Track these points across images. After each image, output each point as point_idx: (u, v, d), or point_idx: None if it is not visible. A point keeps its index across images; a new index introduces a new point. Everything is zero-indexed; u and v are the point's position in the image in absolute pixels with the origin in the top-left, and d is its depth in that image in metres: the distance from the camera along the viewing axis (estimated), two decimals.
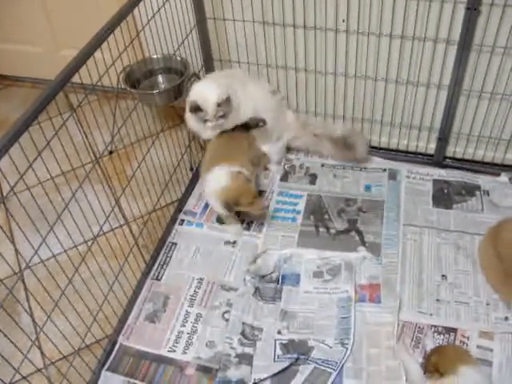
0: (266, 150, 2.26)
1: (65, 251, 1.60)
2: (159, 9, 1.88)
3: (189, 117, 2.07)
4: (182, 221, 2.15)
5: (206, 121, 2.00)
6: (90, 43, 1.53)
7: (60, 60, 1.63)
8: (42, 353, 1.73)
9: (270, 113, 2.19)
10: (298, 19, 2.06)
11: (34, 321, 1.86)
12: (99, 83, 1.57)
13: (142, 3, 1.74)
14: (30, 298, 1.95)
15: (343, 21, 2.00)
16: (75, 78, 1.46)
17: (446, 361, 1.51)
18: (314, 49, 2.13)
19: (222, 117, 1.99)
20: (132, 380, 1.68)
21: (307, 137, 2.30)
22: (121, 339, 1.79)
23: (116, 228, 1.86)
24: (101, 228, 1.68)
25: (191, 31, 2.19)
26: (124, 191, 1.80)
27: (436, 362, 1.53)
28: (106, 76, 1.59)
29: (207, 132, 2.08)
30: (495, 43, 1.87)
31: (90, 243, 1.65)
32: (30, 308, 1.91)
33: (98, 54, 1.54)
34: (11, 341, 1.38)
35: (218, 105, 1.95)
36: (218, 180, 1.93)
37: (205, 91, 2.00)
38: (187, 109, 2.05)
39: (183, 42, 2.14)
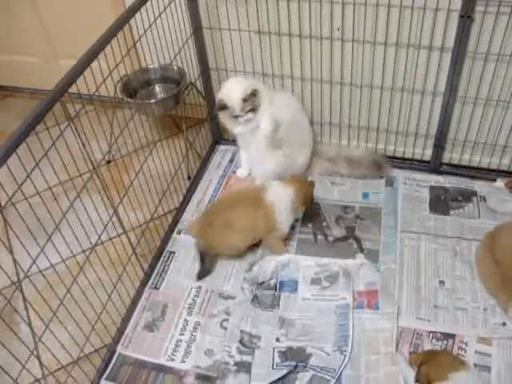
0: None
1: (63, 261, 1.60)
2: (155, 19, 1.89)
3: (219, 114, 2.12)
4: (180, 230, 2.16)
5: (236, 117, 2.05)
6: (87, 54, 1.53)
7: (58, 70, 1.64)
8: (40, 363, 1.72)
9: (308, 147, 2.26)
10: (294, 28, 2.07)
11: (32, 331, 1.86)
12: (96, 93, 1.57)
13: (138, 13, 1.76)
14: (28, 308, 1.95)
15: (338, 29, 2.02)
16: (72, 88, 1.47)
17: (437, 370, 1.51)
18: (310, 57, 2.14)
19: (252, 111, 2.04)
20: None
21: (322, 164, 2.32)
22: (119, 348, 1.78)
23: (114, 237, 1.87)
24: (99, 237, 1.68)
25: (187, 41, 2.20)
26: (122, 200, 1.81)
27: (428, 372, 1.52)
28: (103, 86, 1.60)
29: (239, 128, 2.12)
30: (489, 50, 1.89)
31: (88, 253, 1.65)
32: (29, 318, 1.91)
33: (94, 63, 1.54)
34: (9, 351, 1.38)
35: (244, 100, 2.00)
36: None
37: (230, 88, 2.05)
38: (216, 107, 2.11)
39: (180, 52, 2.15)
